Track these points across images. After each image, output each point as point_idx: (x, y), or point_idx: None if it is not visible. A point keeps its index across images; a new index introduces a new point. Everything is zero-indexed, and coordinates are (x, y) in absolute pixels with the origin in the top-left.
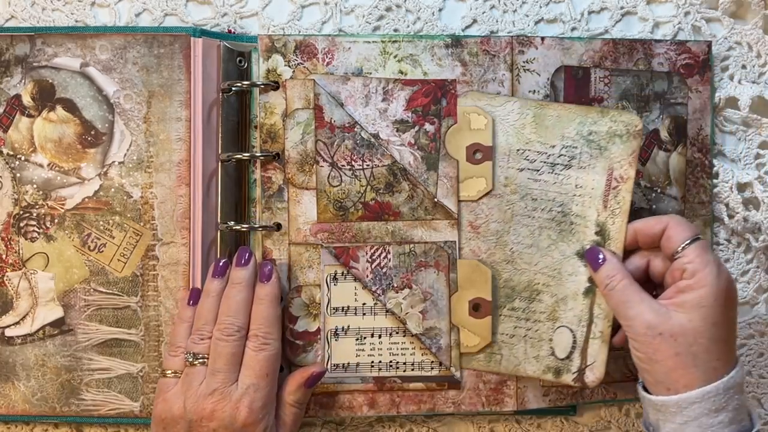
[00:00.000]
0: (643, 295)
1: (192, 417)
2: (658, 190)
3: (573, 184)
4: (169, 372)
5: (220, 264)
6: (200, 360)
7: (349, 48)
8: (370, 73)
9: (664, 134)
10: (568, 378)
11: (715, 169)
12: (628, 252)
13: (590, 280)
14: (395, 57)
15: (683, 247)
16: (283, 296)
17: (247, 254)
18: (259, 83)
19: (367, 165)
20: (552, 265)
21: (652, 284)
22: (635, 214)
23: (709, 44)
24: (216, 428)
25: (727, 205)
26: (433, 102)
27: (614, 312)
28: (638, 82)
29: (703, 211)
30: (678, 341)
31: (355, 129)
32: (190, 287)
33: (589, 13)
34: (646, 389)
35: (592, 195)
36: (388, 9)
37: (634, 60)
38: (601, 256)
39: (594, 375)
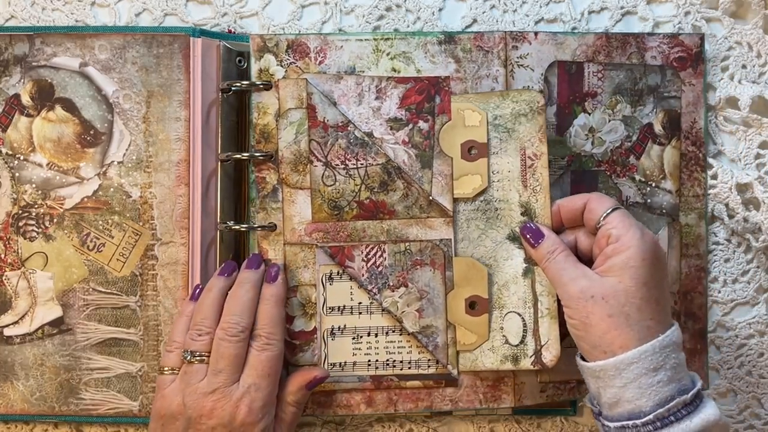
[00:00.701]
0: (578, 264)
1: (191, 414)
2: (653, 184)
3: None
4: (167, 369)
5: (228, 265)
6: (198, 358)
7: (342, 46)
8: (363, 72)
9: (658, 128)
10: (526, 363)
11: (714, 169)
12: (555, 232)
13: (527, 260)
14: (388, 55)
15: (605, 216)
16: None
17: (259, 259)
18: (255, 84)
19: (361, 164)
20: (487, 254)
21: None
22: (630, 208)
23: (701, 37)
24: (215, 426)
25: (727, 205)
26: (427, 99)
27: (551, 281)
28: (631, 76)
29: (698, 204)
30: (609, 303)
31: (349, 128)
32: (190, 286)
33: (589, 12)
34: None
35: (510, 178)
36: (388, 9)
37: (627, 54)
38: (538, 231)
39: (551, 354)
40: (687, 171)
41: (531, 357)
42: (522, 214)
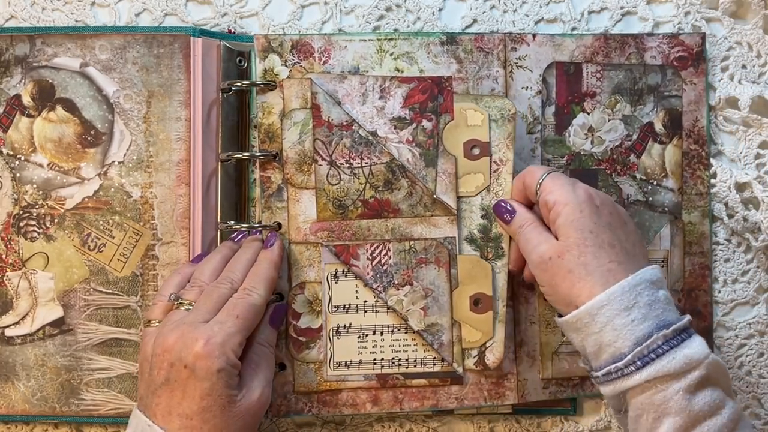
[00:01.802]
0: (542, 232)
1: (156, 351)
2: (654, 183)
3: None
4: (153, 321)
5: (240, 233)
6: (186, 305)
7: (346, 47)
8: (367, 71)
9: (658, 127)
10: (469, 362)
11: (713, 169)
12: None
13: None
14: (391, 55)
15: (539, 185)
16: (284, 293)
17: (275, 238)
18: (258, 83)
19: (366, 163)
20: None
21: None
22: (631, 206)
23: (702, 36)
24: (173, 362)
25: (726, 204)
26: (430, 99)
27: (523, 253)
28: (631, 75)
29: (701, 202)
30: (565, 259)
31: (353, 127)
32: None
33: (589, 13)
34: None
35: None
36: (388, 9)
37: (626, 54)
38: (510, 208)
39: (494, 356)
40: (690, 169)
41: (474, 357)
42: (482, 217)
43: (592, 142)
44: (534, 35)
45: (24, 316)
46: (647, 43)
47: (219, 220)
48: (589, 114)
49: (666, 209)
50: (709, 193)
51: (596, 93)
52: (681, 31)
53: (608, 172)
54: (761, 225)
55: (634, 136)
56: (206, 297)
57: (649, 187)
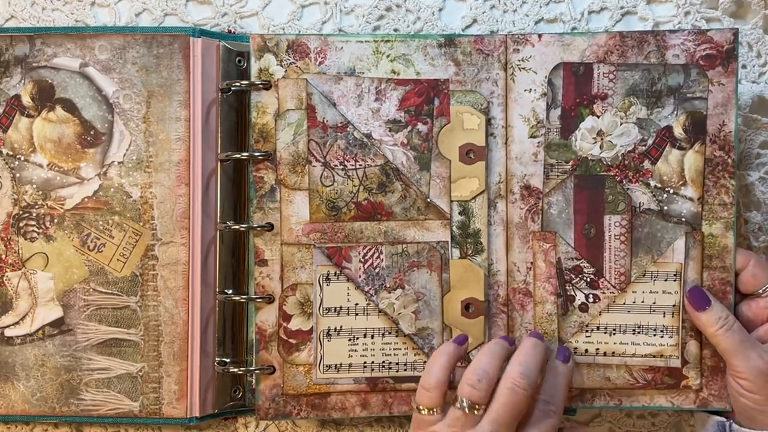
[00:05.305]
0: (751, 339)
1: None
2: (671, 191)
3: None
4: (423, 409)
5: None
6: (477, 410)
7: (342, 47)
8: (363, 73)
9: (678, 131)
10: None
11: None
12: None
13: None
14: (388, 57)
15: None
16: (275, 295)
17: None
18: (255, 84)
19: (360, 165)
20: None
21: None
22: (642, 215)
23: (735, 32)
24: None
25: None
26: (426, 102)
27: (722, 354)
28: (648, 76)
29: (725, 213)
30: None
31: (348, 129)
32: (190, 286)
33: (589, 12)
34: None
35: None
36: (388, 9)
37: (644, 53)
38: (707, 297)
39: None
40: (712, 177)
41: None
42: (460, 213)
43: (601, 147)
44: (540, 35)
45: (24, 317)
46: (669, 40)
47: (218, 220)
48: (598, 117)
49: (683, 219)
50: (735, 204)
51: (608, 95)
52: (710, 28)
53: (618, 178)
54: (762, 225)
55: (650, 141)
56: (511, 407)
57: (665, 195)
